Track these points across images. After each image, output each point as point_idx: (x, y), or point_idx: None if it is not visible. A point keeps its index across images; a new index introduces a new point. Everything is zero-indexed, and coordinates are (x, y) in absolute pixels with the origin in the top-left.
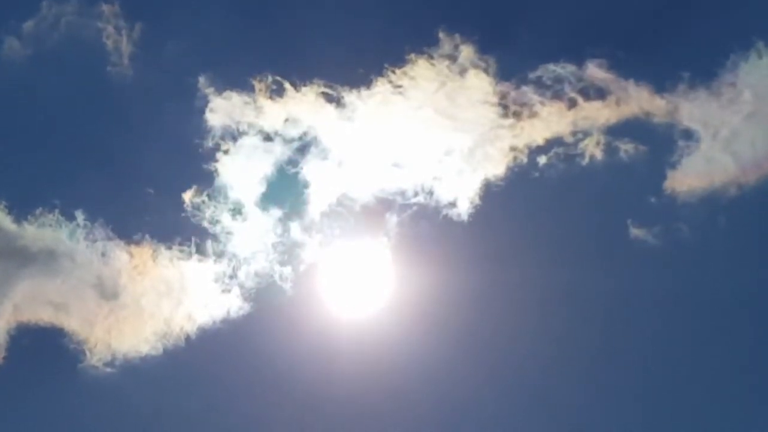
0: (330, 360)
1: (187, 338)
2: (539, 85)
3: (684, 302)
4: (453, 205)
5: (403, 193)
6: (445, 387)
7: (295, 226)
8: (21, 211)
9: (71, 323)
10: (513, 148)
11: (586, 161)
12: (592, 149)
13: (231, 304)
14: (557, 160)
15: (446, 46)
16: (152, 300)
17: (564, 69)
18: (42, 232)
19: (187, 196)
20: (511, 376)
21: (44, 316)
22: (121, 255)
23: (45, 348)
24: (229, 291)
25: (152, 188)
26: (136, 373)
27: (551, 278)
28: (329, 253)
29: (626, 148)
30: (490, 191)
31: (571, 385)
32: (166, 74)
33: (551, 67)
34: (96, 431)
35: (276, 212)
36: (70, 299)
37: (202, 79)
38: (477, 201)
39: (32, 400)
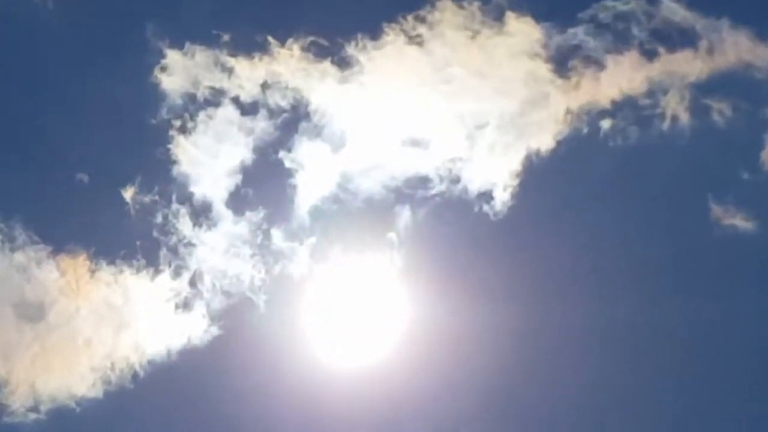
0: (321, 403)
1: (135, 375)
2: (599, 27)
3: None
4: (487, 196)
5: (420, 181)
6: None
7: (277, 233)
8: None
9: None
10: (568, 113)
11: (666, 125)
12: (675, 108)
13: (192, 332)
14: (627, 124)
15: None
16: (89, 326)
17: (628, 5)
18: None
19: (129, 192)
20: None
21: None
22: (47, 267)
23: None
24: (189, 313)
25: (85, 180)
26: (69, 422)
27: (615, 288)
28: (322, 264)
29: (719, 107)
30: (535, 171)
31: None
32: (103, 22)
33: (610, 3)
34: None
35: (253, 215)
36: None
37: (150, 29)
38: (517, 187)
39: None
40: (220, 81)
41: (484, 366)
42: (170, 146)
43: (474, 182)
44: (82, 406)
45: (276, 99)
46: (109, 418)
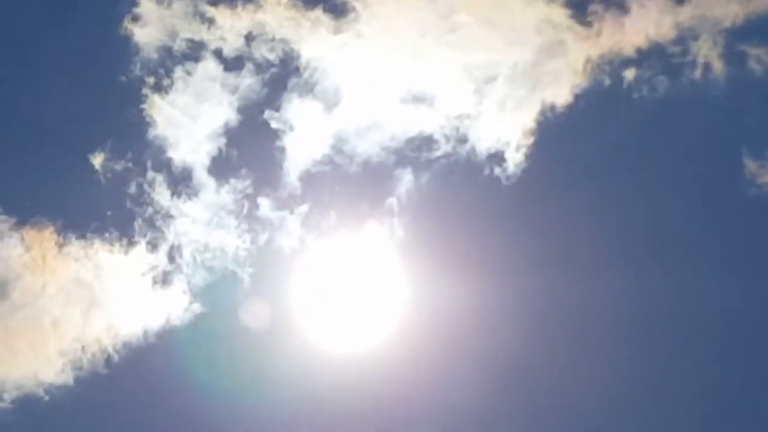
0: (312, 388)
1: (108, 359)
2: None
3: None
4: (498, 157)
5: (423, 142)
6: None
7: (265, 201)
8: None
9: None
10: (588, 63)
11: (697, 74)
12: (707, 56)
13: (171, 310)
14: (653, 74)
15: None
16: (57, 305)
17: None
18: None
19: (99, 159)
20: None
21: None
22: (10, 241)
23: None
24: (168, 289)
25: (51, 147)
26: (37, 411)
27: (641, 257)
28: (314, 235)
29: (756, 53)
30: (551, 128)
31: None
32: None
33: None
34: None
35: (238, 181)
36: None
37: None
38: (532, 146)
39: None
40: (200, 32)
41: (493, 348)
42: (144, 106)
43: (483, 142)
44: (51, 394)
45: (262, 52)
46: (81, 406)
